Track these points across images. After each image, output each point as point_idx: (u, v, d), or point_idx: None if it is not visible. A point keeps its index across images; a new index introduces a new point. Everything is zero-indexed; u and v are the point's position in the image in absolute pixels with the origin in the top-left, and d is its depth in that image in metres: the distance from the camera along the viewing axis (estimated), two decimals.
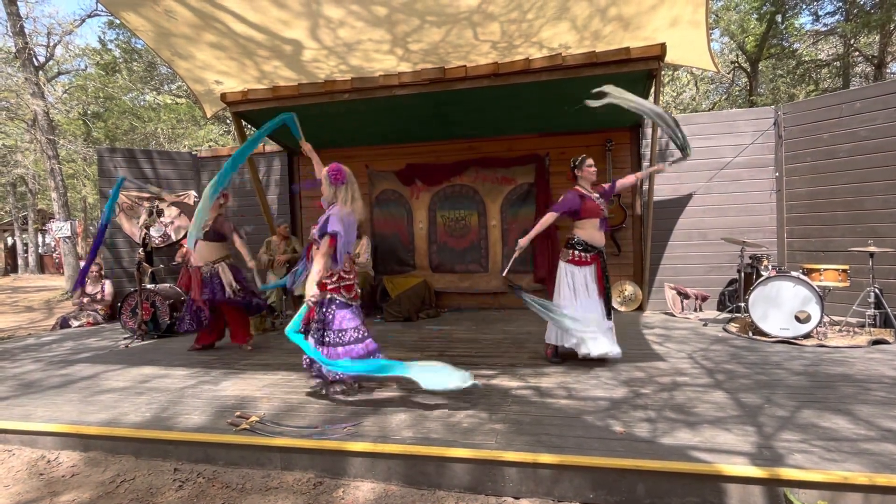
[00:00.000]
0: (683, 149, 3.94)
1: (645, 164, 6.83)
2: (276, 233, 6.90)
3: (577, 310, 4.03)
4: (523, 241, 4.08)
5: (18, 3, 13.42)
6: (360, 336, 3.54)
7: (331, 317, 3.50)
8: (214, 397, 3.60)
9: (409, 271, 7.73)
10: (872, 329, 4.95)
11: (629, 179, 4.31)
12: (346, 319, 3.51)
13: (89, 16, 15.16)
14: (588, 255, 4.12)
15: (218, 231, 5.02)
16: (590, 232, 4.13)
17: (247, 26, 5.18)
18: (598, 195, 4.17)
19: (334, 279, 3.52)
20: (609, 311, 4.15)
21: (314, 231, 3.50)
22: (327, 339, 3.49)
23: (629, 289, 6.87)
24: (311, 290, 3.36)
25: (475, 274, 7.57)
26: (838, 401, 3.13)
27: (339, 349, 3.47)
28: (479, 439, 2.68)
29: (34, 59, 14.09)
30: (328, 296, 3.52)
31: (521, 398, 3.36)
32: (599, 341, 4.02)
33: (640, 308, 6.78)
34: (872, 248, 4.87)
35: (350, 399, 3.46)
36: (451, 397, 3.40)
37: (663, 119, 3.85)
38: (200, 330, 5.17)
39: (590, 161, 4.18)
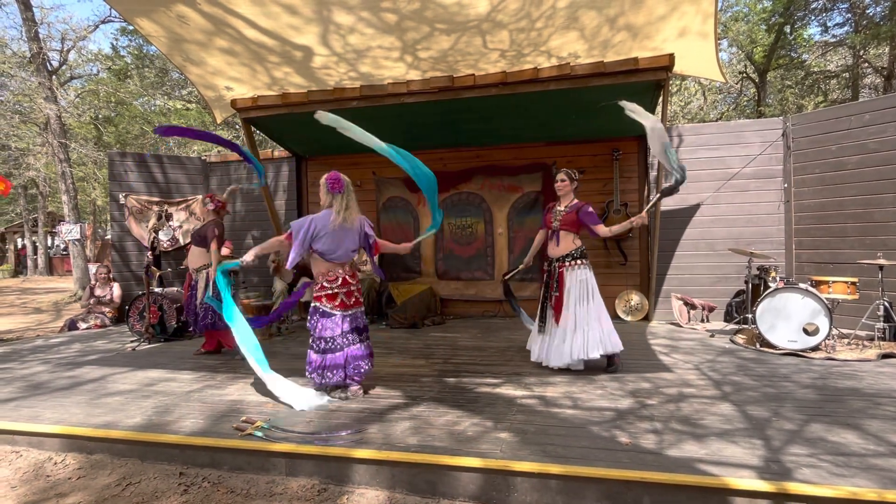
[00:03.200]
0: (677, 178, 3.77)
1: (652, 173, 6.82)
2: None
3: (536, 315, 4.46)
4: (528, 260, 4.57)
5: (34, 8, 13.63)
6: (334, 346, 3.59)
7: (313, 324, 3.63)
8: (220, 402, 3.61)
9: (414, 278, 7.74)
10: (882, 343, 4.90)
11: (600, 229, 4.10)
12: (325, 329, 3.59)
13: (103, 21, 15.34)
14: (545, 264, 4.40)
15: (204, 236, 5.07)
16: (547, 243, 4.39)
17: (258, 32, 5.24)
18: (561, 209, 4.26)
19: (316, 288, 3.63)
20: (540, 319, 4.35)
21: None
22: (314, 346, 3.63)
23: (635, 298, 6.84)
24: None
25: (481, 281, 7.57)
26: (847, 415, 3.10)
27: (316, 356, 3.60)
28: (484, 448, 2.67)
29: (48, 64, 14.28)
30: (312, 304, 3.65)
31: (527, 407, 3.35)
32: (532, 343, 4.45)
33: (647, 318, 6.75)
34: (882, 261, 4.84)
35: (353, 405, 3.46)
36: (456, 405, 3.39)
37: (661, 141, 3.67)
38: (205, 332, 5.18)
39: (559, 176, 4.30)
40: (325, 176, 3.66)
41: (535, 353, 4.42)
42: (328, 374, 3.57)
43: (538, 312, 4.39)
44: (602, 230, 4.11)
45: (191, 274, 5.18)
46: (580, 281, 4.16)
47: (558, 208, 4.28)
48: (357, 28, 5.16)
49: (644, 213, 3.98)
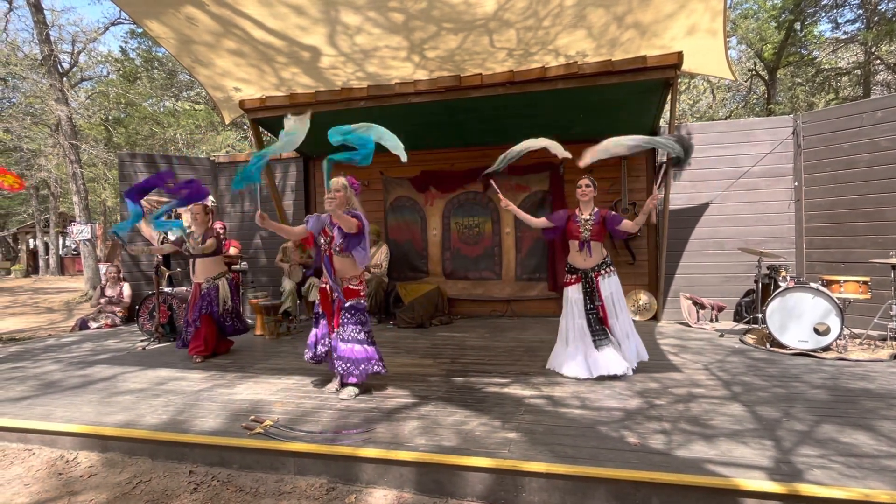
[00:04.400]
0: (680, 156, 3.85)
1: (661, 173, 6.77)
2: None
3: (570, 331, 4.17)
4: (511, 206, 4.45)
5: (45, 11, 13.78)
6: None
7: (365, 319, 3.71)
8: (229, 401, 3.63)
9: (422, 278, 7.75)
10: (894, 343, 4.85)
11: (628, 225, 4.03)
12: (368, 322, 3.73)
13: (112, 24, 15.48)
14: (572, 276, 4.23)
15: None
16: (572, 254, 4.26)
17: (266, 33, 5.26)
18: (587, 217, 4.14)
19: (362, 287, 3.74)
20: (598, 332, 4.05)
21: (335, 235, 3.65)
22: (350, 336, 3.63)
23: (644, 298, 6.80)
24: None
25: (488, 281, 7.56)
26: (859, 416, 3.07)
27: (369, 348, 3.67)
28: (493, 448, 2.67)
29: (59, 66, 14.43)
30: (357, 301, 3.69)
31: (535, 407, 3.35)
32: (572, 362, 4.07)
33: (655, 318, 6.71)
34: (894, 260, 4.78)
35: (362, 405, 3.47)
36: (464, 405, 3.39)
37: (654, 142, 3.82)
38: (191, 342, 4.97)
39: (581, 182, 4.22)
40: (345, 178, 3.70)
41: (593, 369, 4.00)
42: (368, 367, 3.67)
43: (587, 327, 4.07)
44: (629, 225, 4.02)
45: (199, 285, 4.98)
46: (617, 286, 4.17)
47: (583, 217, 4.15)
48: (364, 28, 5.16)
49: (655, 192, 3.93)
